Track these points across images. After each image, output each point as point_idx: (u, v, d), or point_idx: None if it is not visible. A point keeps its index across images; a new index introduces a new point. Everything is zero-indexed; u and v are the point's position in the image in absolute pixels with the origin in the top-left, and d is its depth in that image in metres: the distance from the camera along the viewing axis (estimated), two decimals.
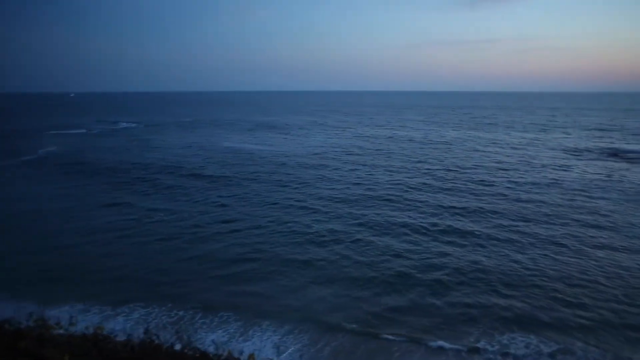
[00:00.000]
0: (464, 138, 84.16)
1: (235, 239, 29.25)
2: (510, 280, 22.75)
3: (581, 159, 58.75)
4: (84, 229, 31.22)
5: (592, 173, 49.10)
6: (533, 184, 43.69)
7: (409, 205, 36.56)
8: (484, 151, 66.62)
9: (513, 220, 32.27)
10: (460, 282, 22.71)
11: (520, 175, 47.68)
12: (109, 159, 59.72)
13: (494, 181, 44.93)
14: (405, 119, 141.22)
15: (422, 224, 31.49)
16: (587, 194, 39.74)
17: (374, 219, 32.85)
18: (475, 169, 51.95)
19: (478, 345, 17.29)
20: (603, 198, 38.23)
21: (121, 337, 8.91)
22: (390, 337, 17.84)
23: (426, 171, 50.91)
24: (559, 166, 53.28)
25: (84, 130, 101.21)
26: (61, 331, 8.40)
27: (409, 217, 33.29)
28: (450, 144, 75.01)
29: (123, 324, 18.31)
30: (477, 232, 29.77)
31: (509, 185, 42.96)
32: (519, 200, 37.64)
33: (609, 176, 47.22)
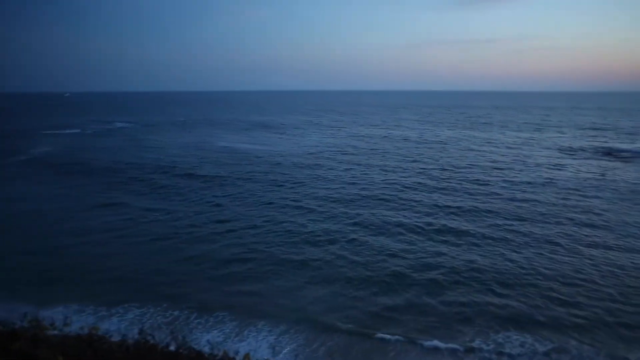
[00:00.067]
0: (459, 137, 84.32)
1: (231, 238, 29.22)
2: (505, 280, 22.81)
3: (575, 158, 58.99)
4: (79, 229, 31.11)
5: (586, 172, 49.30)
6: (528, 183, 43.82)
7: (404, 204, 36.60)
8: (479, 150, 66.76)
9: (508, 219, 32.36)
10: (456, 281, 22.76)
11: (515, 175, 47.82)
12: (104, 159, 59.50)
13: (488, 180, 45.03)
14: (401, 118, 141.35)
15: (417, 224, 31.54)
16: (581, 193, 39.90)
17: (369, 218, 32.87)
18: (470, 168, 52.05)
19: (473, 344, 17.33)
20: (597, 197, 38.39)
21: (116, 338, 8.89)
22: (385, 336, 17.85)
23: (421, 170, 50.98)
24: (554, 165, 53.46)
25: (78, 130, 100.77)
26: (55, 332, 8.37)
27: (404, 216, 33.33)
28: (445, 143, 75.13)
29: (118, 324, 18.26)
30: (472, 232, 29.83)
31: (503, 185, 43.07)
32: (513, 199, 37.75)
33: (602, 175, 47.43)
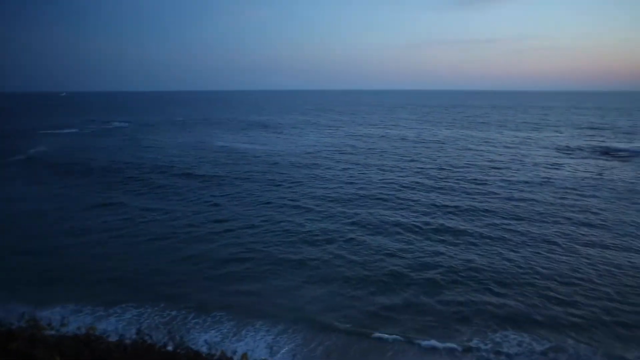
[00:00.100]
0: (457, 137, 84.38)
1: (229, 238, 29.21)
2: (502, 279, 22.85)
3: (573, 158, 59.08)
4: (77, 229, 31.08)
5: (583, 171, 49.39)
6: (525, 182, 43.88)
7: (401, 204, 36.63)
8: (477, 150, 66.80)
9: (505, 218, 32.41)
10: (453, 280, 22.79)
11: (513, 174, 47.88)
12: (102, 159, 59.41)
13: (486, 180, 45.08)
14: (399, 117, 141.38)
15: (414, 223, 31.56)
16: (579, 192, 39.97)
17: (366, 218, 32.89)
18: (467, 167, 52.10)
19: (471, 343, 17.36)
20: (594, 196, 38.46)
21: (113, 338, 8.88)
22: (383, 336, 17.86)
23: (419, 170, 51.01)
24: (551, 165, 53.55)
25: (76, 130, 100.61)
26: (53, 332, 8.36)
27: (402, 216, 33.35)
28: (443, 143, 75.17)
29: (115, 324, 18.24)
30: (469, 231, 29.87)
31: (501, 184, 43.12)
32: (511, 198, 37.80)
33: (600, 174, 47.52)
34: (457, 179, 45.59)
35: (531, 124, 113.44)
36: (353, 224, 31.74)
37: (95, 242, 28.71)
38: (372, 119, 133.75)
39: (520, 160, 56.65)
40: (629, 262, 24.70)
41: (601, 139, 79.68)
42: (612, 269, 23.79)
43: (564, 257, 25.41)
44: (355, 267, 24.44)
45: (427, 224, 31.44)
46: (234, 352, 10.85)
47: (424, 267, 24.41)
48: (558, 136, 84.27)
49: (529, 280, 22.71)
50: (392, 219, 32.60)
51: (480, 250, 26.75)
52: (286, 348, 17.19)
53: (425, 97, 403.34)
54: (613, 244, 27.44)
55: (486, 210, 34.33)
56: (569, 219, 32.21)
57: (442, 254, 26.17)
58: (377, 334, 18.00)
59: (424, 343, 17.38)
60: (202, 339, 17.01)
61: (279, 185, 44.00)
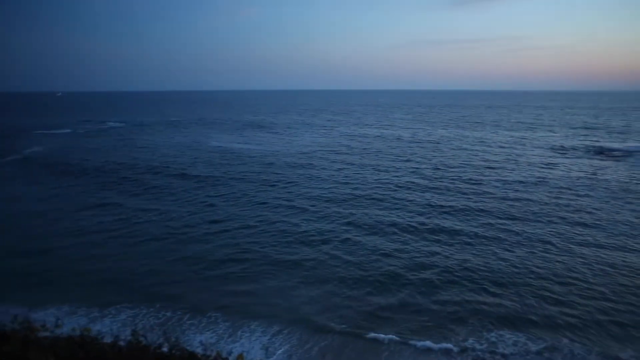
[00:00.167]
0: (452, 137, 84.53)
1: (224, 239, 29.15)
2: (498, 279, 22.89)
3: (567, 157, 59.28)
4: (71, 229, 30.96)
5: (578, 171, 49.56)
6: (520, 182, 43.99)
7: (397, 204, 36.65)
8: (472, 150, 66.94)
9: (500, 218, 32.47)
10: (449, 281, 22.81)
11: (508, 174, 48.00)
12: (96, 159, 59.19)
13: (481, 180, 45.17)
14: (394, 117, 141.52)
15: (410, 223, 31.58)
16: (574, 191, 40.11)
17: (362, 218, 32.89)
18: (462, 167, 52.20)
19: (466, 343, 17.37)
20: (589, 196, 38.60)
21: (108, 339, 8.81)
22: (379, 337, 17.84)
23: (414, 170, 51.06)
24: (546, 164, 53.71)
25: (70, 130, 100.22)
26: (47, 333, 8.29)
27: (397, 216, 33.37)
28: (438, 143, 75.29)
29: (110, 325, 18.16)
30: (465, 231, 29.91)
31: (496, 184, 43.21)
32: (506, 198, 37.88)
33: (594, 174, 47.70)
34: (452, 179, 45.66)
35: (526, 123, 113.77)
36: (348, 224, 31.74)
37: (89, 242, 28.59)
38: (367, 119, 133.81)
39: (515, 160, 56.80)
40: (624, 261, 24.79)
41: (595, 138, 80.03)
42: (607, 268, 23.88)
43: (559, 257, 25.48)
44: (351, 268, 24.43)
45: (422, 224, 31.47)
46: (230, 353, 10.81)
47: (420, 267, 24.42)
48: (552, 136, 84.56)
49: (524, 279, 22.76)
50: (387, 219, 32.61)
51: (475, 250, 26.79)
52: (282, 349, 17.16)
53: (420, 97, 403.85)
54: (607, 243, 27.54)
55: (481, 210, 34.40)
56: (563, 218, 32.31)
57: (437, 254, 26.20)
58: (372, 335, 17.99)
59: (420, 343, 17.37)
60: (197, 340, 16.93)
61: (274, 185, 43.96)
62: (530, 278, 22.91)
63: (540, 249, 26.74)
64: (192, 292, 21.80)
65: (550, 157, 59.74)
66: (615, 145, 68.93)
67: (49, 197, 40.07)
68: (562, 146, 69.69)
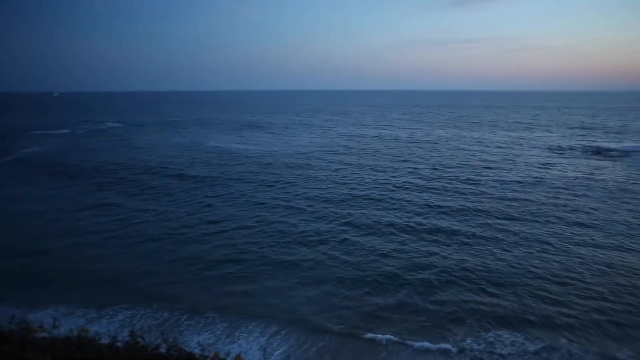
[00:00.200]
0: (449, 137, 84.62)
1: (222, 239, 29.13)
2: (496, 279, 22.91)
3: (565, 157, 59.39)
4: (69, 230, 30.92)
5: (575, 171, 49.65)
6: (518, 182, 44.05)
7: (395, 204, 36.66)
8: (469, 150, 67.01)
9: (498, 218, 32.51)
10: (447, 281, 22.82)
11: (505, 174, 48.06)
12: (94, 160, 59.13)
13: (479, 180, 45.22)
14: (392, 117, 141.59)
15: (408, 223, 31.60)
16: (571, 191, 40.17)
17: (360, 218, 32.89)
18: (460, 167, 52.24)
19: (464, 344, 17.39)
20: (586, 196, 38.67)
21: (106, 340, 8.80)
22: (377, 337, 17.85)
23: (412, 170, 51.09)
24: (543, 164, 53.80)
25: (68, 131, 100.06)
26: (44, 334, 8.28)
27: (395, 216, 33.38)
28: (436, 143, 75.36)
29: (107, 326, 18.15)
30: (462, 231, 29.94)
31: (494, 184, 43.26)
32: (504, 198, 37.92)
33: (591, 174, 47.79)
34: (450, 179, 45.70)
35: (523, 123, 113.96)
36: (346, 224, 31.74)
37: (87, 243, 28.55)
38: (366, 119, 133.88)
39: (513, 160, 56.89)
40: (621, 261, 24.84)
41: (592, 138, 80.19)
42: (604, 268, 23.93)
43: (557, 257, 25.52)
44: (349, 268, 24.43)
45: (420, 224, 31.49)
46: (228, 354, 10.79)
47: (418, 267, 24.44)
48: (550, 136, 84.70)
49: (522, 279, 22.79)
50: (385, 219, 32.62)
51: (473, 250, 26.82)
52: (280, 350, 17.16)
53: (417, 97, 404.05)
54: (605, 243, 27.59)
55: (479, 210, 34.43)
56: (561, 218, 32.36)
57: (435, 254, 26.21)
58: (370, 335, 17.99)
59: (418, 344, 17.38)
60: (195, 340, 16.93)
61: (272, 185, 43.95)
62: (528, 278, 22.94)
63: (538, 249, 26.78)
64: (190, 293, 21.78)
65: (548, 157, 59.85)
66: (613, 145, 69.06)
67: (47, 197, 40.00)
68: (559, 146, 69.83)
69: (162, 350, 8.58)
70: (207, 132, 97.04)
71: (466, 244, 27.85)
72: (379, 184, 44.21)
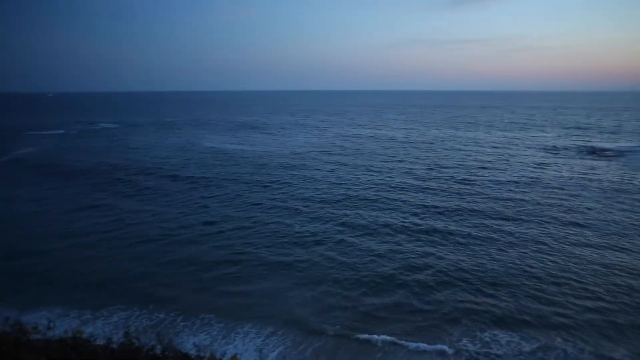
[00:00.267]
0: (445, 137, 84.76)
1: (218, 240, 29.07)
2: (491, 279, 22.93)
3: (560, 157, 59.57)
4: (63, 231, 30.79)
5: (570, 171, 49.80)
6: (513, 182, 44.15)
7: (390, 205, 36.67)
8: (465, 150, 67.14)
9: (494, 219, 32.56)
10: (443, 281, 22.84)
11: (501, 174, 48.17)
12: (89, 160, 58.95)
13: (474, 180, 45.30)
14: (388, 118, 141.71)
15: (404, 224, 31.61)
16: (566, 191, 40.29)
17: (356, 219, 32.88)
18: (456, 168, 52.32)
19: (460, 344, 17.40)
20: (581, 195, 38.78)
21: (101, 341, 8.76)
22: (372, 338, 17.82)
23: (408, 171, 51.13)
24: (539, 164, 53.95)
25: (63, 131, 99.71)
26: (39, 336, 8.24)
27: (391, 217, 33.40)
28: (432, 143, 75.46)
29: (102, 327, 18.06)
30: (458, 231, 29.98)
31: (489, 184, 43.34)
32: (499, 198, 38.00)
33: (586, 174, 47.95)
34: (446, 180, 45.77)
35: (519, 124, 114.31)
36: (342, 225, 31.73)
37: (82, 244, 28.44)
38: (361, 120, 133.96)
39: (508, 161, 57.04)
40: (616, 260, 24.91)
41: (587, 138, 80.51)
42: (599, 268, 23.99)
43: (552, 257, 25.58)
44: (345, 269, 24.42)
45: (416, 224, 31.51)
46: (224, 355, 10.76)
47: (413, 268, 24.45)
48: (545, 136, 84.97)
49: (518, 280, 22.82)
50: (381, 219, 32.63)
51: (469, 250, 26.85)
52: (276, 351, 17.13)
53: (414, 98, 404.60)
54: (600, 242, 27.67)
55: (474, 211, 34.48)
56: (556, 218, 32.44)
57: (431, 254, 26.23)
58: (366, 336, 17.97)
59: (414, 344, 17.38)
60: (190, 342, 16.89)
61: (268, 186, 43.91)
62: (524, 278, 22.98)
63: (533, 248, 26.84)
64: (186, 294, 21.73)
65: (543, 157, 60.02)
66: (607, 145, 69.37)
67: (42, 198, 39.83)
68: (554, 146, 70.04)
69: (158, 351, 8.54)
70: (202, 132, 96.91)
71: (462, 244, 27.89)
72: (375, 184, 44.23)
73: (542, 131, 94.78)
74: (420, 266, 24.59)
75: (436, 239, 28.82)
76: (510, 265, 24.53)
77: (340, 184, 44.71)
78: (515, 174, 48.02)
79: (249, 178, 47.45)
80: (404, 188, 42.48)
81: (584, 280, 22.63)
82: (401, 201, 37.59)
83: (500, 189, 41.29)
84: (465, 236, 29.12)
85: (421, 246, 27.61)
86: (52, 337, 8.38)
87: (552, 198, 37.97)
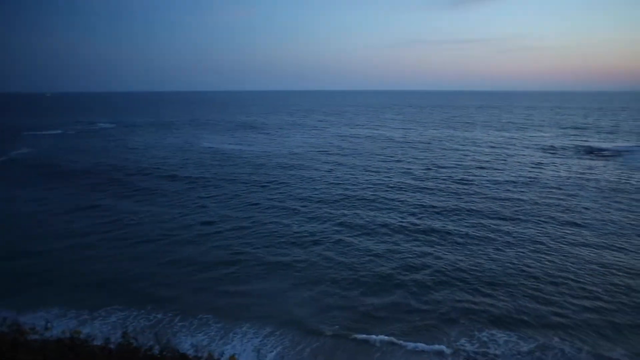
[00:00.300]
0: (443, 137, 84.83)
1: (216, 240, 29.06)
2: (489, 279, 22.96)
3: (557, 157, 59.66)
4: (62, 231, 30.74)
5: (567, 171, 49.88)
6: (511, 182, 44.21)
7: (388, 205, 36.69)
8: (463, 150, 67.22)
9: (492, 218, 32.60)
10: (441, 281, 22.86)
11: (499, 174, 48.23)
12: (86, 161, 58.87)
13: (472, 180, 45.35)
14: (386, 118, 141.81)
15: (402, 224, 31.64)
16: (564, 191, 40.36)
17: (354, 219, 32.90)
18: (454, 168, 52.38)
19: (458, 344, 17.42)
20: (579, 195, 38.85)
21: (98, 341, 8.77)
22: (370, 338, 17.83)
23: (405, 170, 51.17)
24: (536, 164, 54.03)
25: (60, 131, 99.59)
26: (36, 336, 8.24)
27: (389, 216, 33.42)
28: (430, 143, 75.53)
29: (100, 327, 18.05)
30: (456, 231, 30.01)
31: (487, 184, 43.40)
32: (497, 198, 38.05)
33: (584, 174, 48.03)
34: (444, 179, 45.82)
35: (516, 124, 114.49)
36: (340, 225, 31.74)
37: (80, 244, 28.39)
38: (359, 120, 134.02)
39: (506, 160, 57.12)
40: (614, 260, 24.96)
41: (584, 138, 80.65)
42: (597, 268, 24.03)
43: (550, 256, 25.62)
44: (343, 269, 24.43)
45: (414, 224, 31.54)
46: (222, 355, 10.79)
47: (411, 268, 24.47)
48: (543, 136, 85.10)
49: (515, 279, 22.85)
50: (379, 219, 32.66)
51: (466, 250, 26.88)
52: (274, 351, 17.13)
53: (412, 98, 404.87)
54: (597, 242, 27.72)
55: (472, 210, 34.52)
56: (554, 218, 32.50)
57: (429, 254, 26.26)
58: (364, 336, 17.98)
59: (412, 344, 17.39)
60: (188, 342, 16.89)
61: (266, 186, 43.90)
62: (521, 278, 23.01)
63: (531, 248, 26.88)
64: (184, 294, 21.71)
65: (541, 157, 60.12)
66: (605, 145, 69.52)
67: (40, 198, 39.76)
68: (552, 146, 70.16)
69: (156, 351, 8.55)
70: (201, 132, 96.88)
71: (459, 244, 27.92)
72: (373, 184, 44.26)
73: (540, 131, 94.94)
74: (418, 266, 24.62)
75: (434, 238, 28.86)
76: (508, 265, 24.57)
77: (338, 184, 44.73)
78: (513, 174, 48.09)
79: (247, 178, 47.45)
80: (401, 188, 42.52)
81: (581, 280, 22.67)
82: (399, 201, 37.62)
83: (498, 189, 41.35)
84: (463, 236, 29.16)
85: (419, 246, 27.64)
86: (49, 337, 8.39)
87: (550, 198, 38.03)
